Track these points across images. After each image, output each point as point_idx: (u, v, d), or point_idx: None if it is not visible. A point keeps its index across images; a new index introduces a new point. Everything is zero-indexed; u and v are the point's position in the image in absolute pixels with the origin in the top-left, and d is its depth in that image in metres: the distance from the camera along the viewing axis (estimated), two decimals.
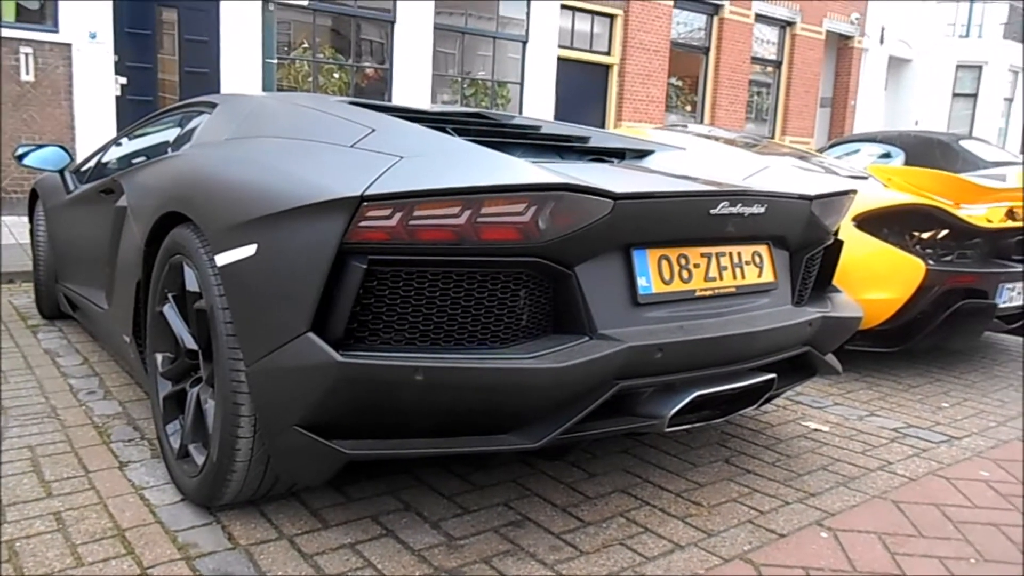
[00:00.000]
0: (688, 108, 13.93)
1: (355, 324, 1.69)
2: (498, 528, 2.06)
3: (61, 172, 3.80)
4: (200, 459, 2.04)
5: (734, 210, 1.96)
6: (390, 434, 1.75)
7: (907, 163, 6.55)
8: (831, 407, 3.23)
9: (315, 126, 2.15)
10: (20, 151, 3.77)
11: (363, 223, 1.62)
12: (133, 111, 8.58)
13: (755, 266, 2.17)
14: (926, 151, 6.49)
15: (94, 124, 8.23)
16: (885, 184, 3.71)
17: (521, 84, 11.66)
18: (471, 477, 2.34)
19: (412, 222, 1.63)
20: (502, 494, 2.25)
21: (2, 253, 6.07)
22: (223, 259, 1.83)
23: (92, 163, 3.77)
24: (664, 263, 1.95)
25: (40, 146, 3.79)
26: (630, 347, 1.77)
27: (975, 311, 3.60)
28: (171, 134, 3.08)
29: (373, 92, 10.45)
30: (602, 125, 12.68)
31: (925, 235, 3.60)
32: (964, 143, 6.54)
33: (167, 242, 2.17)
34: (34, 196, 4.30)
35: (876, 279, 3.48)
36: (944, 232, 3.59)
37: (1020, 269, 3.64)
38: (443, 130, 2.33)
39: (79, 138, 8.18)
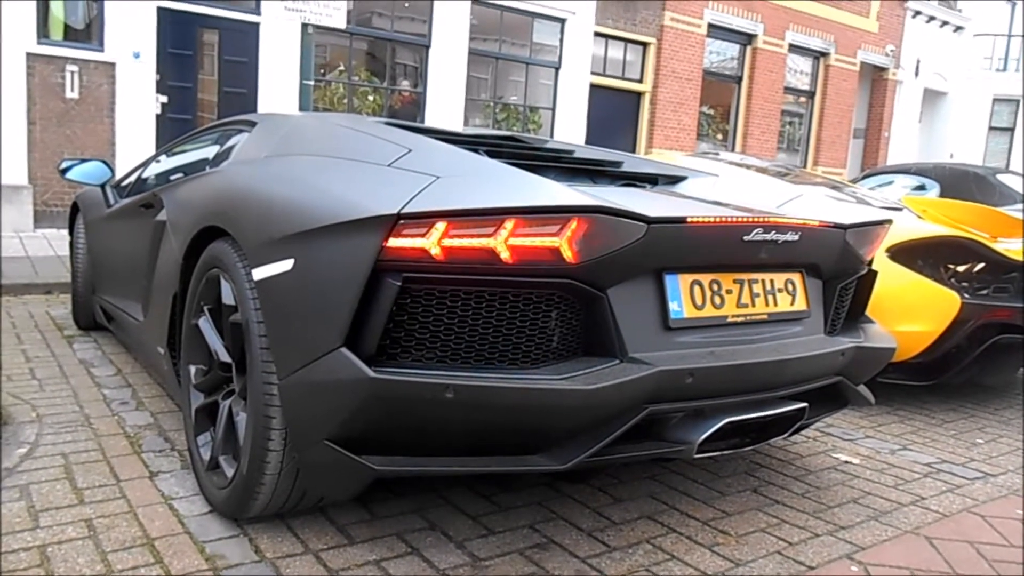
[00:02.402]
0: (719, 137, 13.92)
1: (388, 340, 1.71)
2: (523, 550, 2.05)
3: (102, 186, 3.89)
4: (230, 471, 2.06)
5: (768, 237, 1.96)
6: (419, 451, 1.76)
7: (942, 195, 6.48)
8: (862, 439, 3.18)
9: (353, 145, 2.19)
10: (64, 164, 3.87)
11: (399, 240, 1.65)
12: (172, 129, 8.78)
13: (788, 294, 2.16)
14: (961, 184, 6.42)
15: (134, 141, 8.42)
16: (920, 216, 3.67)
17: (553, 109, 11.74)
18: (496, 498, 2.34)
19: (447, 241, 1.65)
20: (527, 516, 2.25)
21: (41, 265, 6.21)
22: (260, 273, 1.86)
23: (132, 178, 3.86)
24: (696, 288, 1.95)
25: (83, 160, 3.89)
26: (661, 371, 1.77)
27: (1011, 347, 3.53)
28: (210, 151, 3.15)
29: (406, 115, 10.59)
30: (632, 152, 12.70)
31: (960, 268, 3.55)
32: (1001, 177, 6.46)
33: (205, 256, 2.21)
34: (75, 209, 4.41)
35: (910, 311, 3.44)
36: (980, 265, 3.54)
37: None
38: (477, 151, 2.36)
39: (119, 154, 8.37)
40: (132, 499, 2.22)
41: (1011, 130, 18.56)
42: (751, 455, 2.87)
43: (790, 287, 2.17)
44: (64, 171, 3.84)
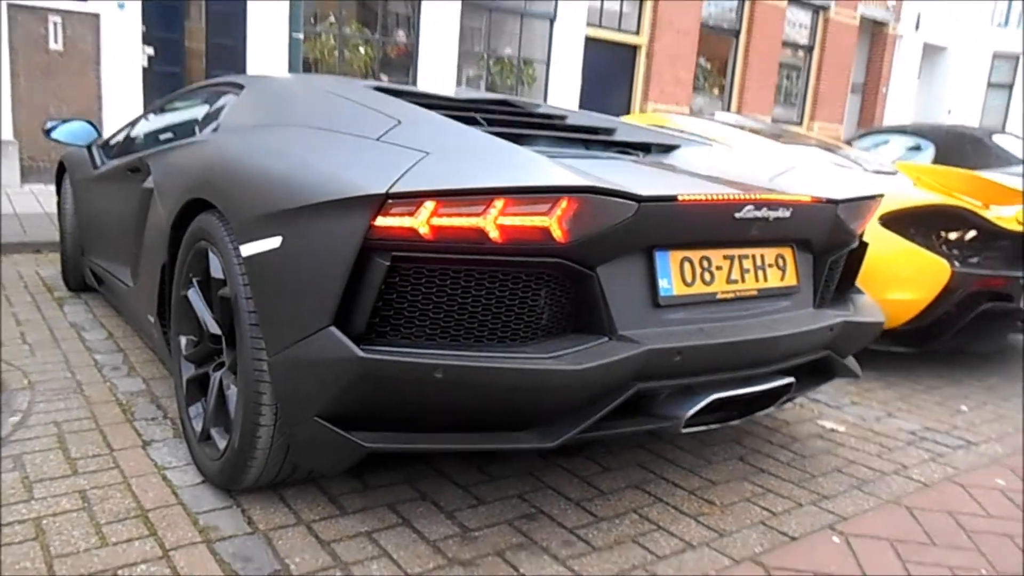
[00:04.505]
0: (716, 91, 13.75)
1: (377, 319, 1.71)
2: (512, 521, 2.08)
3: (88, 147, 3.83)
4: (222, 443, 2.07)
5: (759, 214, 1.95)
6: (408, 428, 1.77)
7: (937, 157, 6.45)
8: (848, 407, 3.22)
9: (342, 115, 2.16)
10: (48, 125, 3.81)
11: (388, 219, 1.63)
12: (160, 82, 8.63)
13: (778, 269, 2.16)
14: (957, 145, 6.38)
15: (121, 94, 8.28)
16: (914, 182, 3.66)
17: (548, 63, 11.55)
18: (487, 468, 2.37)
19: (436, 220, 1.64)
20: (517, 486, 2.28)
21: (29, 222, 6.15)
22: (248, 250, 1.85)
23: (120, 138, 3.80)
24: (686, 265, 1.95)
25: (67, 120, 3.82)
26: (649, 350, 1.78)
27: (1001, 314, 3.56)
28: (198, 113, 3.10)
29: (398, 67, 10.42)
30: (628, 106, 12.57)
31: (952, 236, 3.55)
32: (997, 138, 6.42)
33: (192, 227, 2.19)
34: (61, 169, 4.35)
35: (900, 279, 3.45)
36: (972, 233, 3.54)
37: None
38: (470, 120, 2.33)
39: (106, 108, 8.23)
40: (125, 469, 2.24)
41: (1010, 87, 18.39)
42: (738, 423, 2.90)
43: (780, 262, 2.17)
44: (48, 131, 3.78)
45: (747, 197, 1.91)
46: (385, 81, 9.59)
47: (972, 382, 3.70)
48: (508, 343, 1.78)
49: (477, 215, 1.64)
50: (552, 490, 2.27)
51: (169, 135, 3.23)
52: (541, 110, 3.13)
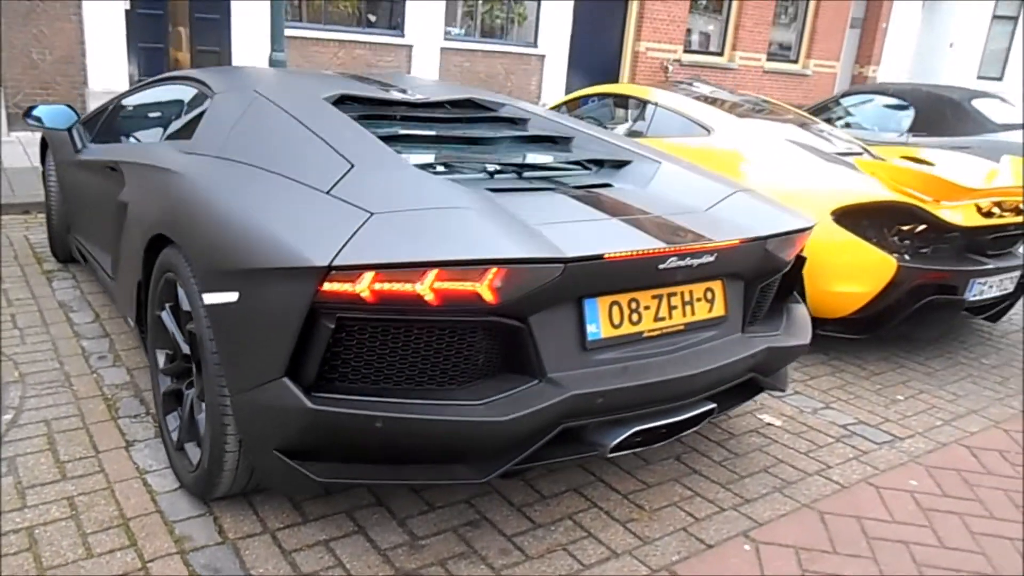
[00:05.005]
0: (711, 27, 13.53)
1: (327, 369, 1.89)
2: (457, 528, 2.32)
3: (68, 130, 3.92)
4: (195, 458, 2.29)
5: (682, 263, 2.11)
6: (358, 462, 1.98)
7: (916, 119, 6.52)
8: (790, 396, 3.44)
9: (300, 154, 2.28)
10: (30, 110, 3.89)
11: (332, 285, 1.80)
12: (144, 23, 8.55)
13: (706, 302, 2.33)
14: (936, 109, 6.43)
15: (105, 38, 8.22)
16: (869, 177, 3.78)
17: (538, 1, 11.36)
18: None
19: (376, 285, 1.80)
20: (467, 489, 2.51)
21: (17, 179, 6.24)
22: (209, 299, 2.02)
23: (101, 119, 3.89)
24: (615, 308, 2.12)
25: (45, 105, 3.90)
26: (572, 395, 1.97)
27: (944, 305, 3.74)
28: (172, 113, 3.20)
29: (386, 9, 10.27)
30: (620, 47, 12.41)
31: (901, 231, 3.70)
32: (976, 102, 6.47)
33: (161, 258, 2.35)
34: (44, 146, 4.45)
35: (847, 273, 3.62)
36: (921, 228, 3.69)
37: (991, 266, 3.75)
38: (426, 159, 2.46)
39: (90, 52, 8.19)
40: (110, 473, 2.46)
41: (1015, 19, 18.03)
42: None
43: (709, 295, 2.34)
44: (27, 115, 3.86)
45: (670, 250, 2.06)
46: (370, 25, 9.44)
47: (914, 366, 3.92)
48: (446, 387, 1.97)
49: (413, 283, 1.80)
50: (498, 494, 2.50)
51: (145, 135, 3.33)
52: (504, 112, 3.23)
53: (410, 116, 2.95)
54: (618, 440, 2.10)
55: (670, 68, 12.61)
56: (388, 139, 2.58)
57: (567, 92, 11.42)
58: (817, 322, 3.82)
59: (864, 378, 3.72)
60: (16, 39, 7.79)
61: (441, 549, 2.22)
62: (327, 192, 2.05)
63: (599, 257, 1.96)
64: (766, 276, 2.51)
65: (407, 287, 1.81)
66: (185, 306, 2.24)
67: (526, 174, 2.62)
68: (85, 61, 8.16)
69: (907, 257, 3.68)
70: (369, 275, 1.79)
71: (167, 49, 8.82)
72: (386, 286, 1.80)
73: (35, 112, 3.86)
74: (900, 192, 3.66)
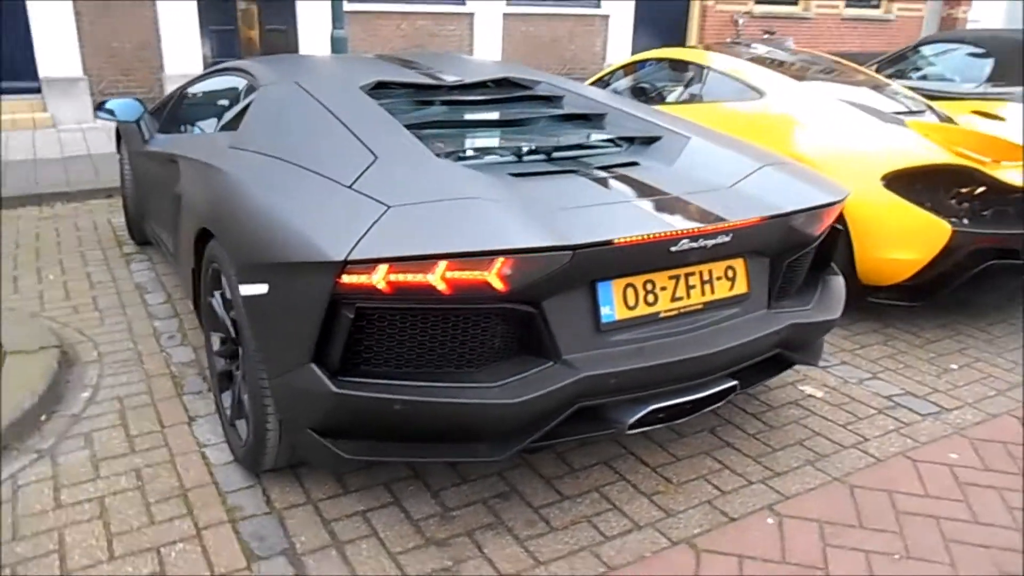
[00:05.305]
0: None
1: (351, 355, 2.02)
2: (487, 500, 2.44)
3: (136, 122, 4.16)
4: (244, 434, 2.47)
5: (695, 245, 2.13)
6: (382, 439, 2.11)
7: (996, 69, 6.17)
8: (836, 366, 3.40)
9: (328, 146, 2.40)
10: (102, 104, 4.15)
11: (349, 278, 1.91)
12: (215, 9, 8.84)
13: (727, 280, 2.35)
14: (1016, 56, 6.06)
15: (179, 25, 8.55)
16: (922, 138, 3.64)
17: None
18: None
19: (391, 277, 1.91)
20: (499, 463, 2.62)
21: (102, 164, 6.64)
22: (245, 290, 2.17)
23: (165, 111, 4.12)
24: (629, 290, 2.17)
25: (116, 99, 4.15)
26: (585, 376, 2.04)
27: (1005, 270, 3.60)
28: (223, 105, 3.37)
29: None
30: (687, 3, 12.04)
31: (959, 194, 3.56)
32: None
33: (208, 250, 2.52)
34: (119, 136, 4.74)
35: (898, 239, 3.52)
36: (978, 191, 3.54)
37: None
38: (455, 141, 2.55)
39: (164, 39, 8.54)
40: (173, 446, 2.68)
41: None
42: None
43: (730, 273, 2.35)
44: (98, 109, 4.12)
45: (682, 232, 2.09)
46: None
47: (974, 332, 3.79)
48: (464, 370, 2.07)
49: (425, 273, 1.90)
50: (529, 467, 2.61)
51: (201, 126, 3.52)
52: (541, 90, 3.26)
53: (445, 100, 3.02)
54: (635, 418, 2.16)
55: (741, 22, 12.19)
56: (419, 126, 2.66)
57: (633, 53, 11.22)
58: (869, 290, 3.75)
59: (918, 347, 3.63)
60: (98, 30, 8.20)
61: (470, 520, 2.35)
62: (350, 186, 2.16)
63: (608, 243, 2.01)
64: (793, 251, 2.50)
65: (420, 278, 1.91)
66: (228, 295, 2.40)
67: (555, 155, 2.67)
68: (161, 47, 8.52)
69: (966, 221, 3.55)
70: (384, 268, 1.89)
71: (238, 30, 9.11)
72: (400, 277, 1.91)
73: (107, 105, 4.11)
74: (955, 154, 3.52)
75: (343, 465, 2.33)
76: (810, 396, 3.14)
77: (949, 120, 4.17)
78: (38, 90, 8.07)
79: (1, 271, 4.32)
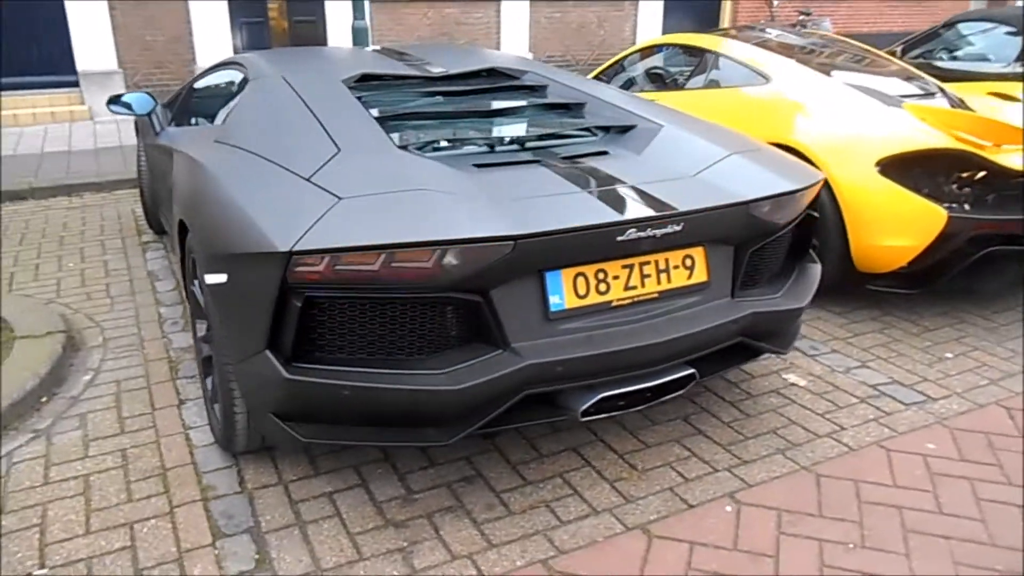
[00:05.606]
0: None
1: (304, 341, 2.09)
2: (451, 483, 2.50)
3: (148, 115, 4.30)
4: (219, 416, 2.57)
5: (643, 234, 2.14)
6: (338, 423, 2.18)
7: None
8: (825, 354, 3.37)
9: (295, 139, 2.47)
10: (112, 96, 4.30)
11: (297, 268, 1.98)
12: (244, 4, 9.01)
13: (685, 269, 2.35)
14: None
15: (209, 16, 8.74)
16: (919, 122, 3.56)
17: None
18: None
19: (337, 267, 1.97)
20: (468, 447, 2.67)
21: (131, 154, 6.86)
22: (208, 279, 2.26)
23: (176, 105, 4.25)
24: (580, 279, 2.19)
25: (124, 95, 4.29)
26: (529, 364, 2.07)
27: (1007, 256, 3.51)
28: (220, 99, 3.47)
29: None
30: None
31: (957, 179, 3.48)
32: None
33: (187, 241, 2.62)
34: (137, 128, 4.90)
35: (893, 226, 3.46)
36: (978, 176, 3.45)
37: None
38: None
39: (196, 31, 8.74)
40: (160, 428, 2.80)
41: None
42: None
43: (688, 262, 2.35)
44: (110, 103, 4.27)
45: (626, 222, 2.10)
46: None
47: (975, 320, 3.71)
48: (415, 357, 2.12)
49: (370, 263, 1.96)
50: (497, 452, 2.66)
51: (201, 120, 3.63)
52: (527, 80, 3.28)
53: (428, 91, 3.07)
54: (586, 405, 2.19)
55: (776, 3, 11.93)
56: (392, 118, 2.72)
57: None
58: (867, 277, 3.69)
59: (914, 335, 3.56)
60: (131, 23, 8.44)
61: (432, 503, 2.41)
62: (308, 179, 2.22)
63: (550, 233, 2.03)
64: (758, 240, 2.48)
65: (363, 268, 1.96)
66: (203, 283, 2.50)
67: (528, 145, 2.70)
68: (192, 39, 8.73)
69: (967, 207, 3.47)
70: (328, 259, 1.95)
71: (267, 22, 9.28)
72: (345, 268, 1.97)
73: (124, 99, 4.26)
74: (955, 138, 3.43)
75: (299, 447, 2.40)
76: (793, 384, 3.12)
77: (961, 102, 4.06)
78: (76, 83, 8.35)
79: (1, 263, 4.53)
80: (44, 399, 2.99)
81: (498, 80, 3.26)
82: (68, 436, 2.75)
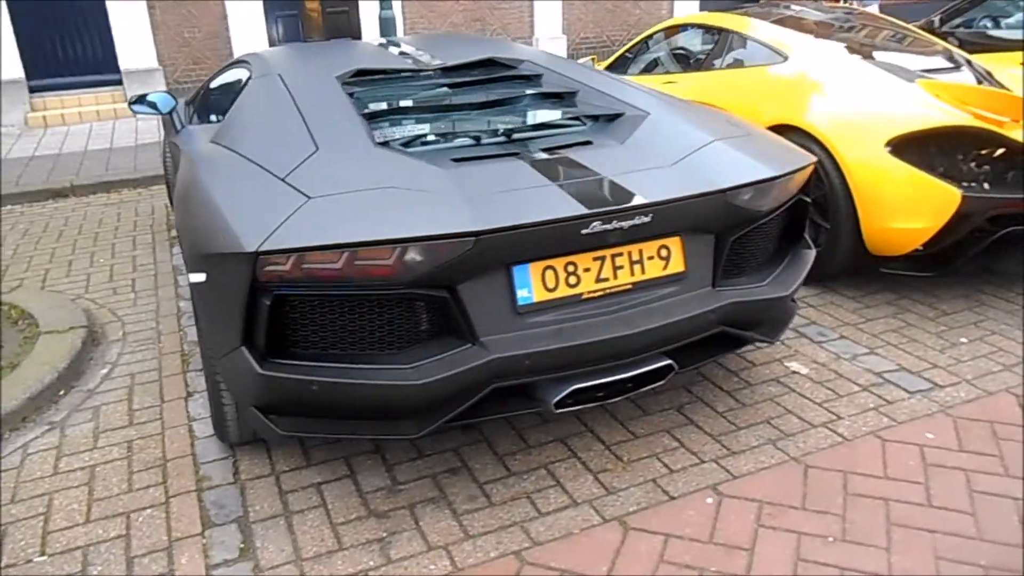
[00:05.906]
0: None
1: (277, 338, 2.15)
2: (437, 475, 2.54)
3: (169, 114, 4.42)
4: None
5: (609, 227, 2.13)
6: (311, 416, 2.24)
7: None
8: (832, 341, 3.29)
9: (277, 138, 2.53)
10: (135, 97, 4.43)
11: (265, 267, 2.03)
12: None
13: (660, 259, 2.33)
14: None
15: (245, 11, 8.91)
16: (932, 99, 3.42)
17: None
18: None
19: (304, 266, 2.01)
20: (458, 439, 2.71)
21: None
22: (191, 278, 2.33)
23: (195, 103, 4.36)
24: (549, 273, 2.19)
25: (148, 95, 4.42)
26: (496, 358, 2.09)
27: None
28: (228, 97, 3.55)
29: None
30: None
31: (971, 157, 3.34)
32: None
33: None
34: (163, 125, 5.05)
35: (905, 208, 3.34)
36: (997, 153, 3.31)
37: None
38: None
39: (232, 27, 8.92)
40: (167, 420, 2.92)
41: None
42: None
43: (663, 252, 2.33)
44: (131, 104, 4.41)
45: (590, 215, 2.09)
46: None
47: (997, 303, 3.56)
48: (385, 352, 2.16)
49: (334, 261, 2.00)
50: (485, 443, 2.69)
51: (208, 119, 3.73)
52: (523, 69, 3.27)
53: (423, 85, 3.09)
54: (559, 397, 2.20)
55: None
56: (378, 114, 2.75)
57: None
58: (882, 260, 3.59)
59: (930, 319, 3.45)
60: (170, 20, 8.67)
61: (416, 494, 2.45)
62: (283, 178, 2.27)
63: (511, 228, 2.04)
64: (741, 227, 2.44)
65: (329, 267, 2.01)
66: None
67: (514, 136, 2.70)
68: (229, 35, 8.92)
69: (985, 186, 3.33)
70: (294, 258, 2.00)
71: (301, 15, 9.41)
72: (311, 266, 2.01)
73: (149, 98, 4.39)
74: (971, 114, 3.29)
75: (280, 439, 2.46)
76: (794, 373, 3.06)
77: (988, 75, 3.88)
78: (119, 82, 8.62)
79: (1, 259, 4.73)
80: (62, 392, 3.13)
81: (493, 71, 3.25)
82: (80, 428, 2.88)
